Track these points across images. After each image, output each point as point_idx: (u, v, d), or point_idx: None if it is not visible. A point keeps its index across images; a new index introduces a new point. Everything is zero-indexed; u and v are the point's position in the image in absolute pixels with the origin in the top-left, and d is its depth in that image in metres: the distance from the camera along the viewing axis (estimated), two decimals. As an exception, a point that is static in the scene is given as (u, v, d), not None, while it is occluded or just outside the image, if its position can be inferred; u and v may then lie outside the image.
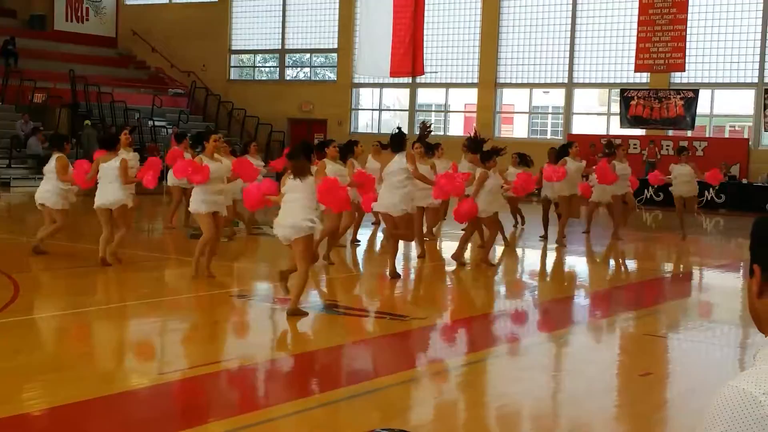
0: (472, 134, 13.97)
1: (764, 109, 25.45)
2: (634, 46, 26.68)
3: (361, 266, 13.99)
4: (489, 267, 12.98)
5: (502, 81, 29.79)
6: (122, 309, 9.84)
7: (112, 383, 6.73)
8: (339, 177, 11.07)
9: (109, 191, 11.96)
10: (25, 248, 13.48)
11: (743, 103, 27.35)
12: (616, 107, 28.04)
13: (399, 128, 11.93)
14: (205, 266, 11.17)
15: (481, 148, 13.12)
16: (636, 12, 26.62)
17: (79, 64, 31.46)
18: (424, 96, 32.91)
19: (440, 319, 9.93)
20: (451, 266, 13.12)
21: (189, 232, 15.45)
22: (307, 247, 9.07)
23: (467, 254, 13.60)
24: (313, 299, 10.54)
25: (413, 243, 13.43)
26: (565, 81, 28.79)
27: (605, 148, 16.84)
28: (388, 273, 11.72)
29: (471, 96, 30.85)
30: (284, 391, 6.95)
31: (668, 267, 15.28)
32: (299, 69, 35.14)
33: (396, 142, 11.63)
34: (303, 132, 31.13)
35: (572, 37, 28.51)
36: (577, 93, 29.26)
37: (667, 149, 26.44)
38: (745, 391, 1.57)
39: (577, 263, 14.74)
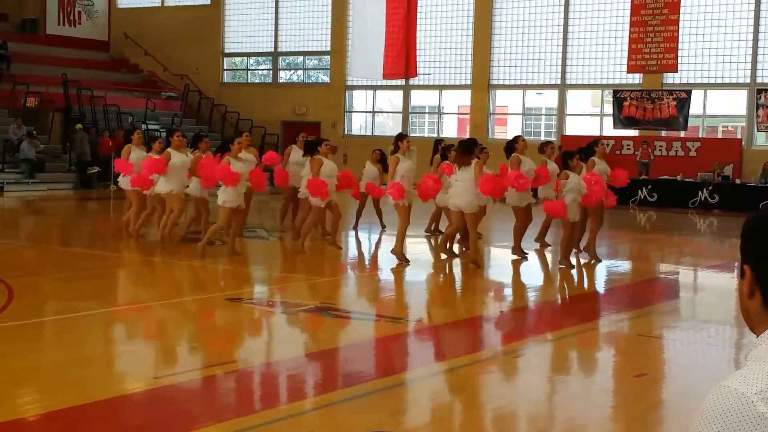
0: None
1: (757, 109, 25.50)
2: (626, 47, 26.71)
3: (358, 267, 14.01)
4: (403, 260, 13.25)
5: (495, 82, 29.82)
6: (116, 313, 9.84)
7: (107, 388, 6.72)
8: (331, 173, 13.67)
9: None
10: (18, 252, 13.46)
11: (736, 103, 27.40)
12: (609, 108, 28.08)
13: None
14: (231, 245, 13.37)
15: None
16: (628, 13, 26.66)
17: (72, 67, 31.40)
18: (418, 98, 32.93)
19: (436, 321, 9.93)
20: (437, 269, 13.10)
21: (182, 235, 15.43)
22: (476, 219, 12.69)
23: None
24: (305, 301, 10.54)
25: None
26: (558, 82, 28.82)
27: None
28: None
29: (464, 98, 30.87)
30: (279, 394, 6.95)
31: (662, 267, 15.29)
32: (292, 71, 35.14)
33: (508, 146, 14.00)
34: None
35: (565, 39, 28.54)
36: (570, 94, 29.30)
37: (660, 150, 26.49)
38: (737, 391, 1.57)
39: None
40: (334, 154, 14.69)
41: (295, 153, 15.77)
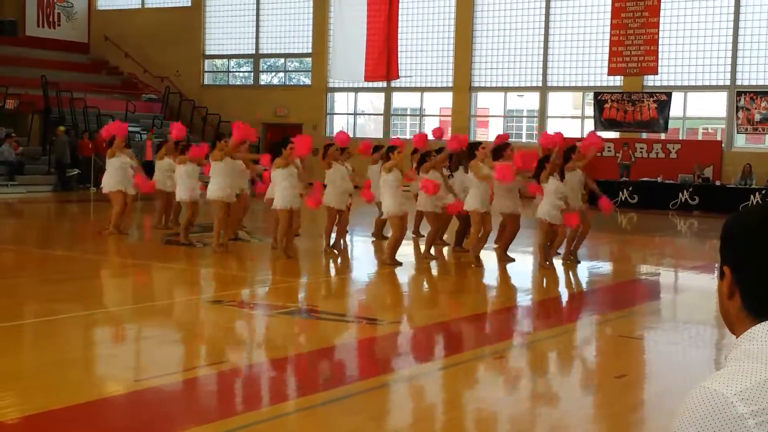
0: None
1: (736, 111, 25.66)
2: (607, 50, 26.83)
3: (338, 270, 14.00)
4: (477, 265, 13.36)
5: (476, 85, 29.87)
6: (98, 316, 9.78)
7: (87, 391, 6.68)
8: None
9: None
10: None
11: (716, 105, 27.56)
12: (590, 110, 28.19)
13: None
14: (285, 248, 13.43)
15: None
16: (609, 16, 26.79)
17: (51, 69, 31.23)
18: (399, 100, 32.95)
19: (417, 323, 9.93)
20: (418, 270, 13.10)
21: (164, 237, 15.40)
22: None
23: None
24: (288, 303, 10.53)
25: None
26: (540, 84, 28.90)
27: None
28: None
29: (446, 100, 30.91)
30: (260, 396, 6.93)
31: (643, 269, 15.34)
32: (273, 74, 35.08)
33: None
34: (278, 137, 31.00)
35: (546, 41, 28.63)
36: (552, 96, 29.39)
37: (641, 152, 26.60)
38: (717, 392, 1.57)
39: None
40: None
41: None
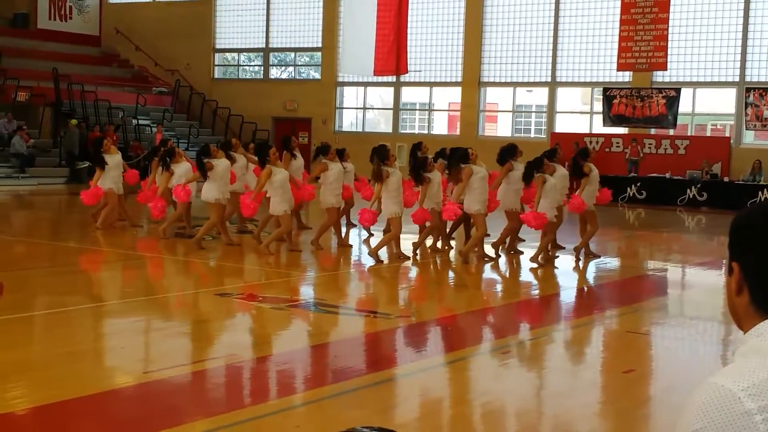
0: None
1: (745, 108, 25.58)
2: (616, 45, 26.75)
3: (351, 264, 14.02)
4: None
5: (485, 80, 29.84)
6: (106, 308, 9.83)
7: (96, 382, 6.73)
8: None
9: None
10: (8, 247, 13.41)
11: (725, 101, 27.48)
12: (598, 106, 28.12)
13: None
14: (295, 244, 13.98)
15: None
16: (618, 11, 26.70)
17: (63, 62, 31.29)
18: (408, 95, 32.92)
19: (425, 317, 9.95)
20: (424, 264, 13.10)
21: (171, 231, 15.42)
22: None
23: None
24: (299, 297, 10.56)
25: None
26: (549, 80, 28.85)
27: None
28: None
29: (455, 95, 30.88)
30: (268, 389, 6.97)
31: (651, 264, 15.34)
32: (283, 68, 35.10)
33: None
34: (287, 131, 31.07)
35: (555, 36, 28.58)
36: (561, 92, 29.33)
37: (649, 148, 26.57)
38: (724, 388, 1.58)
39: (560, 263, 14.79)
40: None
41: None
